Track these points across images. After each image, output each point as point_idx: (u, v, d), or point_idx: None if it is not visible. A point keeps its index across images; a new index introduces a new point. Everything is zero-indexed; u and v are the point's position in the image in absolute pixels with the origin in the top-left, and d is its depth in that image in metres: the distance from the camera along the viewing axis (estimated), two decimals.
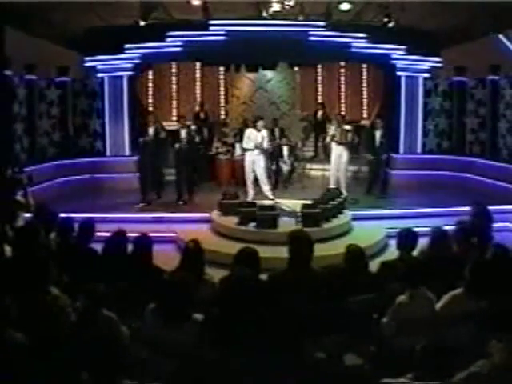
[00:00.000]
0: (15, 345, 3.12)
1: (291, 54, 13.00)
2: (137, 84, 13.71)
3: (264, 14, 12.58)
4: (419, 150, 13.30)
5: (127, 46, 12.32)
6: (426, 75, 13.15)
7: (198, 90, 16.80)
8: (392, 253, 6.15)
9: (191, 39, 12.33)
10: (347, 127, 11.06)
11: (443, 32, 12.46)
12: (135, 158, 12.18)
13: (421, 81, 13.16)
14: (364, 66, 16.52)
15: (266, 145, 10.48)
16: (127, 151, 12.87)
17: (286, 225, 8.49)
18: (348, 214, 9.53)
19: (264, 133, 10.47)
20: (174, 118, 15.43)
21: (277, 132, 13.27)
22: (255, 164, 10.42)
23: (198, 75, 16.84)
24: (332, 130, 11.25)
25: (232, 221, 9.03)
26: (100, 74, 12.73)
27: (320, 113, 15.30)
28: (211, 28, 12.30)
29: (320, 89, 17.11)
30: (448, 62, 12.85)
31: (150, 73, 15.87)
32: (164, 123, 13.68)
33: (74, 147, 12.74)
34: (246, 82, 14.87)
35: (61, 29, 11.75)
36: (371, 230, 9.13)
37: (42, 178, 10.79)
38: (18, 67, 10.67)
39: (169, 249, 8.38)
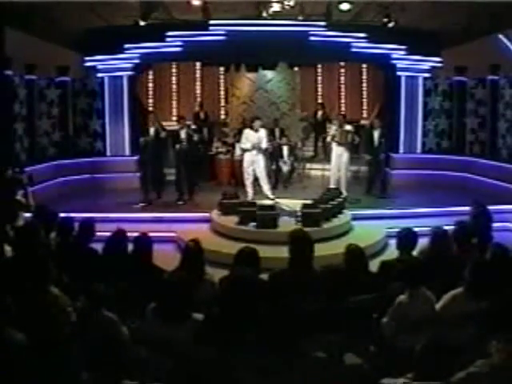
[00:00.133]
0: (15, 345, 3.12)
1: (291, 53, 12.99)
2: (137, 84, 13.70)
3: (264, 14, 12.58)
4: (419, 149, 13.30)
5: (127, 45, 12.32)
6: (427, 75, 13.15)
7: (198, 90, 16.83)
8: (392, 253, 6.16)
9: (191, 39, 12.32)
10: (348, 127, 11.06)
11: (443, 32, 12.46)
12: (135, 157, 12.19)
13: (421, 81, 13.15)
14: (364, 66, 16.53)
15: (264, 145, 10.48)
16: (127, 151, 12.87)
17: (286, 224, 8.49)
18: (348, 213, 9.54)
19: (262, 133, 10.47)
20: (174, 118, 15.44)
21: (277, 132, 13.28)
22: (255, 164, 10.42)
23: (198, 75, 16.86)
24: (333, 129, 11.25)
25: (232, 220, 9.03)
26: (100, 74, 12.72)
27: (320, 113, 15.31)
28: (211, 28, 12.29)
29: (320, 89, 17.13)
30: (448, 61, 12.85)
31: (150, 73, 15.89)
32: (164, 123, 13.68)
33: (73, 147, 12.74)
34: (246, 82, 14.87)
35: (61, 29, 11.74)
36: (371, 229, 9.13)
37: (42, 177, 10.79)
38: (19, 67, 10.66)
39: (169, 249, 8.39)
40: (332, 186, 10.86)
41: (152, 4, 12.12)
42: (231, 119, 14.80)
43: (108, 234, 5.36)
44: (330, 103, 16.57)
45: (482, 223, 6.17)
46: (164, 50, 12.45)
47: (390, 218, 9.62)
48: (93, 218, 5.95)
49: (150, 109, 15.26)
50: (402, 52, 12.83)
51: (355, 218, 9.51)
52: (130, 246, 5.06)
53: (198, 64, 16.63)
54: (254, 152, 10.37)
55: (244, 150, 10.64)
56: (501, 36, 11.84)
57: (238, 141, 11.64)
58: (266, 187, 10.51)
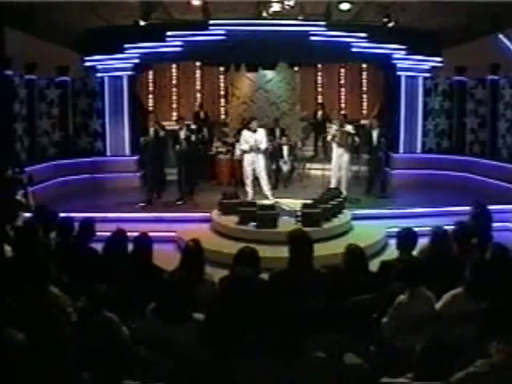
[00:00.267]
0: (15, 344, 3.12)
1: (291, 53, 12.98)
2: (137, 84, 13.71)
3: (264, 14, 12.59)
4: (419, 149, 13.30)
5: (127, 45, 12.32)
6: (427, 75, 13.15)
7: (197, 90, 16.82)
8: (392, 252, 6.15)
9: (191, 39, 12.31)
10: (349, 128, 11.05)
11: (443, 32, 12.46)
12: (135, 157, 12.19)
13: (421, 81, 13.15)
14: (364, 66, 16.54)
15: (264, 145, 10.45)
16: (127, 151, 12.86)
17: (286, 224, 8.49)
18: (348, 213, 9.54)
19: (260, 133, 10.44)
20: (174, 118, 15.45)
21: (277, 132, 13.28)
22: (255, 164, 10.42)
23: (197, 75, 16.87)
24: (333, 129, 11.23)
25: (232, 220, 9.03)
26: (100, 74, 12.71)
27: (320, 113, 15.31)
28: (211, 28, 12.29)
29: (320, 89, 17.14)
30: (448, 61, 12.85)
31: (150, 73, 15.90)
32: (164, 123, 13.67)
33: (73, 147, 12.74)
34: (246, 82, 14.88)
35: (61, 29, 11.75)
36: (371, 229, 9.14)
37: (42, 177, 10.80)
38: (19, 67, 10.66)
39: (169, 249, 8.39)
40: (333, 185, 10.87)
41: (152, 4, 12.13)
42: (231, 119, 14.81)
43: (108, 233, 5.35)
44: (330, 103, 16.57)
45: (482, 223, 6.16)
46: (164, 50, 12.45)
47: (389, 218, 9.62)
48: (93, 218, 5.95)
49: (150, 109, 15.27)
50: (402, 52, 12.83)
51: (355, 218, 9.51)
52: (130, 246, 5.06)
53: (197, 64, 16.63)
54: (254, 152, 10.37)
55: (243, 151, 10.64)
56: (501, 36, 11.84)
57: (238, 141, 11.64)
58: (265, 187, 10.51)
